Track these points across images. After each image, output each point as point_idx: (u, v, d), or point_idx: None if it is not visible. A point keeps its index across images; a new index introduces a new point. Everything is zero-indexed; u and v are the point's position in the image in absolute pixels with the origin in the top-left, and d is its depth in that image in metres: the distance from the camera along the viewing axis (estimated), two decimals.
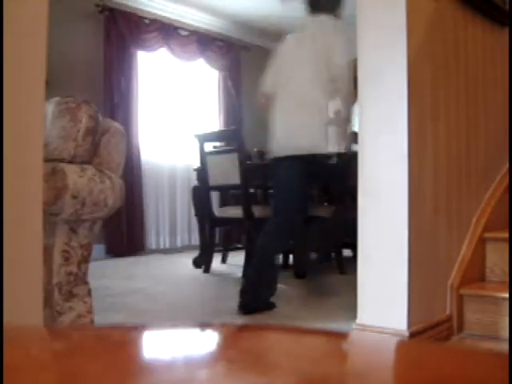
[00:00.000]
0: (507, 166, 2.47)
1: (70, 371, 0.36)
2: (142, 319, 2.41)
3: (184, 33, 5.62)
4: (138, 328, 0.55)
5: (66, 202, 1.46)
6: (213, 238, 3.90)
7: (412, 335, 1.76)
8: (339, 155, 2.48)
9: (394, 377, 0.39)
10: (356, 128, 2.02)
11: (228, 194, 4.34)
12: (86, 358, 0.40)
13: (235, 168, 3.41)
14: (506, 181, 2.41)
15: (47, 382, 0.36)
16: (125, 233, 5.01)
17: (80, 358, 0.40)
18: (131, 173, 4.94)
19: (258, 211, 3.43)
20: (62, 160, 1.51)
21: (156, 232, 5.39)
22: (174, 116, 5.55)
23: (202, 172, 3.82)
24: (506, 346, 1.85)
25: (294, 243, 3.44)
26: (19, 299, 1.11)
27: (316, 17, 2.63)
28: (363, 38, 1.92)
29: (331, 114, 2.48)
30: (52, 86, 1.92)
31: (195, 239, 5.39)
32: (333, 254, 3.91)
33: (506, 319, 1.91)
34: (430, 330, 1.88)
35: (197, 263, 4.10)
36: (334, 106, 2.49)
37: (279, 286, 2.80)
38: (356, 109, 2.03)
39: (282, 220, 2.67)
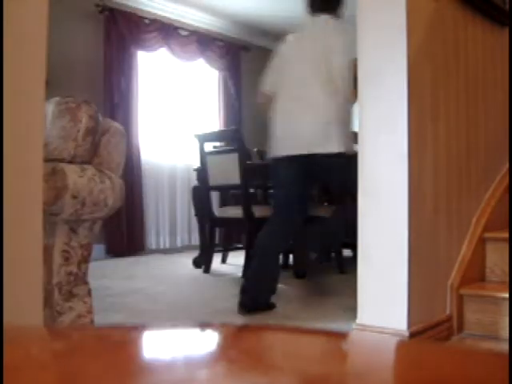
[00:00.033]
0: (507, 165, 2.47)
1: (70, 371, 0.36)
2: (142, 319, 2.41)
3: (184, 33, 5.62)
4: (138, 328, 0.55)
5: (66, 202, 1.46)
6: (213, 238, 3.90)
7: (412, 335, 1.76)
8: (339, 155, 2.48)
9: (394, 377, 0.39)
10: (356, 128, 2.02)
11: (228, 194, 4.34)
12: (86, 358, 0.40)
13: (235, 168, 3.41)
14: (506, 181, 2.41)
15: (47, 382, 0.36)
16: (125, 233, 5.01)
17: (80, 358, 0.40)
18: (131, 173, 4.94)
19: (258, 211, 3.43)
20: (61, 160, 1.51)
21: (156, 232, 5.38)
22: (174, 116, 5.55)
23: (202, 172, 3.82)
24: (506, 346, 1.85)
25: (294, 243, 3.44)
26: (19, 299, 1.11)
27: (316, 17, 2.63)
28: (363, 38, 1.92)
29: (331, 114, 2.48)
30: (52, 86, 1.92)
31: (195, 239, 5.39)
32: (333, 254, 3.91)
33: (506, 319, 1.91)
34: (430, 330, 1.88)
35: (197, 263, 4.10)
36: (335, 105, 2.49)
37: (279, 285, 2.80)
38: (356, 109, 2.03)
39: (282, 220, 2.66)
